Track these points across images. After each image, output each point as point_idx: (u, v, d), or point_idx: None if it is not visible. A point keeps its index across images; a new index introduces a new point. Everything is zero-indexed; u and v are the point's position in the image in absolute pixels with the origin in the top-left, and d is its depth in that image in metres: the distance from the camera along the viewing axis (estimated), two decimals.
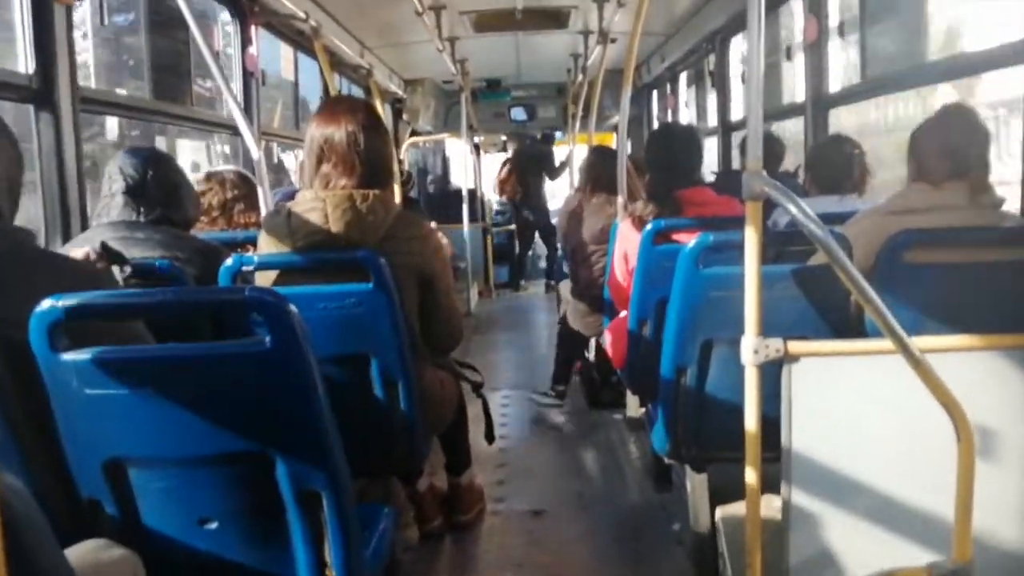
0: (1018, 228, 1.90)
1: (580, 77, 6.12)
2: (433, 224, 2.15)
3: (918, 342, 1.28)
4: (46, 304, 1.17)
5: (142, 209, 1.97)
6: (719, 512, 1.83)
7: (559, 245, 5.10)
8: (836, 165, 2.81)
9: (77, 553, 1.09)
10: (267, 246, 1.98)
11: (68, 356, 1.19)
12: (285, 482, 1.26)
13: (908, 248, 1.70)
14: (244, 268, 1.88)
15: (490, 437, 2.55)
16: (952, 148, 1.84)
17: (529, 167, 8.03)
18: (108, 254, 1.71)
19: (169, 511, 1.31)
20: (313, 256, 1.90)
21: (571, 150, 7.11)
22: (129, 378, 1.22)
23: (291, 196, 2.20)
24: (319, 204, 1.91)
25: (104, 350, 1.22)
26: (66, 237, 2.15)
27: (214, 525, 1.30)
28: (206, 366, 1.23)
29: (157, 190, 1.98)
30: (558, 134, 8.77)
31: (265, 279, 1.96)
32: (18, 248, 1.27)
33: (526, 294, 8.09)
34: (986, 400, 1.41)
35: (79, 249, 1.72)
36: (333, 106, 2.08)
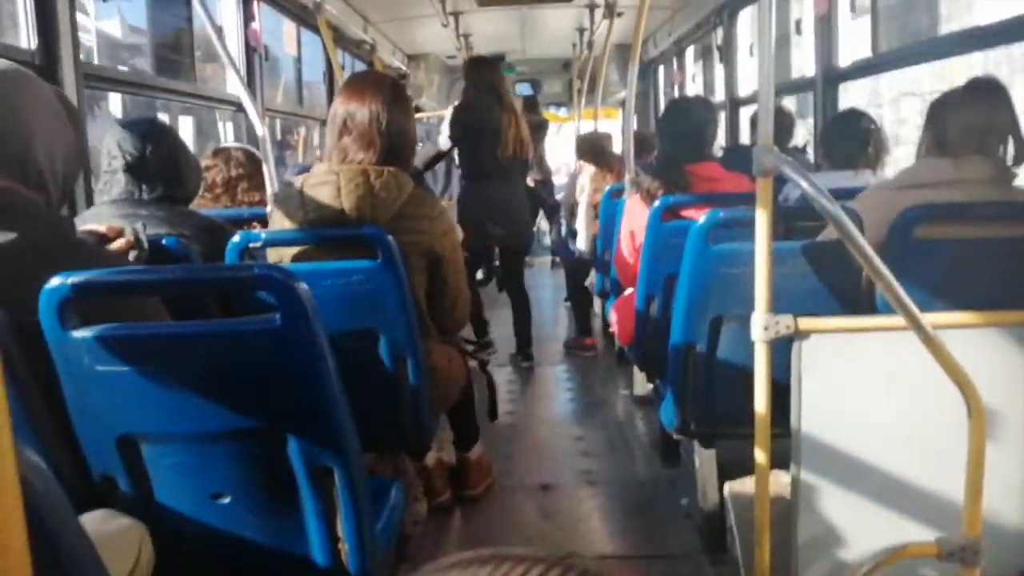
0: None
1: (586, 52, 6.05)
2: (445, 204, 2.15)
3: (930, 318, 1.27)
4: (55, 281, 1.16)
5: (144, 186, 1.95)
6: (728, 488, 1.84)
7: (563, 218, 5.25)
8: (851, 140, 2.76)
9: (83, 523, 1.10)
10: (278, 220, 1.98)
11: (78, 334, 1.19)
12: (296, 458, 1.26)
13: (920, 223, 1.68)
14: (251, 245, 1.87)
15: (493, 415, 2.56)
16: (977, 123, 1.80)
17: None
18: (137, 241, 1.70)
19: (181, 486, 1.32)
20: (320, 233, 1.89)
21: (578, 126, 7.06)
22: (139, 355, 1.22)
23: (305, 171, 2.18)
24: (332, 178, 1.90)
25: (114, 327, 1.21)
26: (71, 214, 2.14)
27: (226, 500, 1.30)
28: (216, 343, 1.23)
29: (158, 165, 1.96)
30: (562, 110, 8.68)
31: (275, 255, 1.95)
32: (52, 239, 1.26)
33: (530, 271, 8.06)
34: (998, 376, 1.40)
35: (97, 225, 1.70)
36: (359, 81, 2.06)
